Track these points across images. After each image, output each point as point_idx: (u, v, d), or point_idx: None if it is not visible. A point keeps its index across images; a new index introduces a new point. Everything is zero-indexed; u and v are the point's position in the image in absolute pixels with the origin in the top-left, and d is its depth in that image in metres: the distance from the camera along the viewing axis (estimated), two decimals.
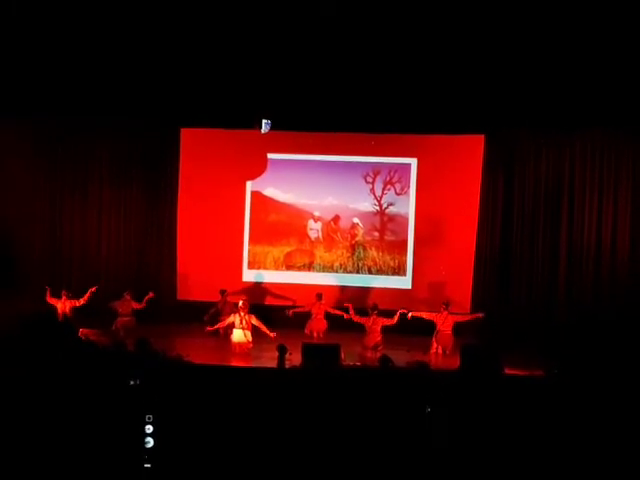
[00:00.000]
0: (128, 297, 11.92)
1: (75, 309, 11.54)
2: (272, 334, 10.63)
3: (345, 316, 11.58)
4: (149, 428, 4.32)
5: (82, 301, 11.60)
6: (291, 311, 12.29)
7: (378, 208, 13.49)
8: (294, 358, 8.32)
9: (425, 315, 11.34)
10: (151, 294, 12.02)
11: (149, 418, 4.31)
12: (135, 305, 11.88)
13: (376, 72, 11.07)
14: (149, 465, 4.31)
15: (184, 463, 4.42)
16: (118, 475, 4.30)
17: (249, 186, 13.70)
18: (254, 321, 10.87)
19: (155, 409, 4.35)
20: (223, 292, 12.49)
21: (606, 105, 11.27)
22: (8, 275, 12.59)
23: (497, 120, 12.24)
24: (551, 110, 11.66)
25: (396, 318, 11.09)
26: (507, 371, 7.63)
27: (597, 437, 4.52)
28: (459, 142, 13.09)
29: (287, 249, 13.67)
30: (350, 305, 11.57)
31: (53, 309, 11.38)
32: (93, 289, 11.71)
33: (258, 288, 13.56)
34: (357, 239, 13.55)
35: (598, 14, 9.52)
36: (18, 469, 4.30)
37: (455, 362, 8.90)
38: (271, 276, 13.63)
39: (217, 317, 12.13)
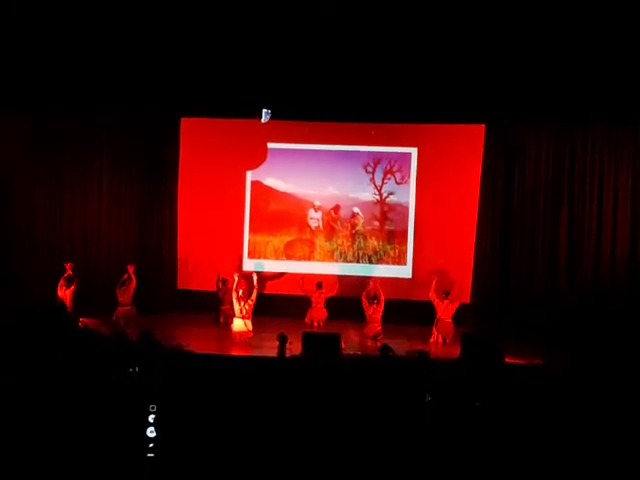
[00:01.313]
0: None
1: (75, 298, 11.54)
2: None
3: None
4: (152, 417, 4.34)
5: (74, 284, 11.59)
6: (302, 279, 12.50)
7: (378, 197, 13.47)
8: (294, 347, 8.35)
9: (430, 294, 11.37)
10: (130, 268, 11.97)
11: (152, 408, 4.32)
12: (131, 287, 11.82)
13: (377, 61, 11.01)
14: (152, 454, 4.33)
15: (186, 452, 4.43)
16: (121, 465, 4.33)
17: (249, 176, 13.67)
18: (253, 295, 10.90)
19: (157, 399, 4.36)
20: (224, 281, 12.49)
21: (607, 96, 11.23)
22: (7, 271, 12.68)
23: (498, 109, 12.18)
24: (552, 100, 11.61)
25: (381, 292, 11.26)
26: (507, 360, 7.67)
27: (598, 427, 4.54)
28: (460, 131, 13.04)
29: (287, 238, 13.66)
30: (374, 280, 11.73)
31: (54, 298, 11.40)
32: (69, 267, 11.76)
33: (258, 277, 13.54)
34: (357, 228, 13.54)
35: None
36: (19, 458, 4.33)
37: (455, 351, 8.93)
38: (271, 265, 13.63)
39: (218, 306, 12.19)
